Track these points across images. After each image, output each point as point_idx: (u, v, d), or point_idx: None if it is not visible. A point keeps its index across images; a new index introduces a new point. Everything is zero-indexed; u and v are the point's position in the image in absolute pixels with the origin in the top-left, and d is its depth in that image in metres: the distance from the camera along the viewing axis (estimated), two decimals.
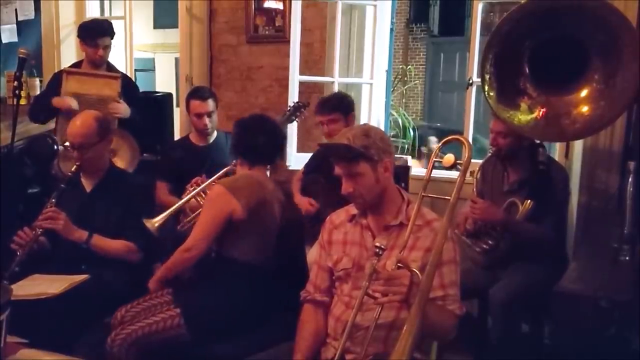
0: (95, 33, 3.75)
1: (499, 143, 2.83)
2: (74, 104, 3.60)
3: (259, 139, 2.60)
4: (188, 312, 2.37)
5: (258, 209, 2.50)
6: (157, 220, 2.75)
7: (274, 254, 2.57)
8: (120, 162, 3.27)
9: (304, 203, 3.48)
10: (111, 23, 4.00)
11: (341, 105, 3.37)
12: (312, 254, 2.74)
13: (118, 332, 2.31)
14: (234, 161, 3.49)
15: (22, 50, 3.36)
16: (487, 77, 2.50)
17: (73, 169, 2.76)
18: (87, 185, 2.85)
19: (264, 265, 2.51)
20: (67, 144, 2.84)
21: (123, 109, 3.68)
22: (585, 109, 2.43)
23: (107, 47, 3.77)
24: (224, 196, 2.48)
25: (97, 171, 2.84)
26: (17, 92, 3.29)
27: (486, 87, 2.52)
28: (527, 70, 2.51)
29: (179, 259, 2.50)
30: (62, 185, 2.74)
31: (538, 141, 2.83)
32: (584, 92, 2.43)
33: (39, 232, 2.61)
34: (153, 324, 2.33)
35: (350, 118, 3.39)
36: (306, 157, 3.92)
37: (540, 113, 2.50)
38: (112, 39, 3.81)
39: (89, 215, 2.75)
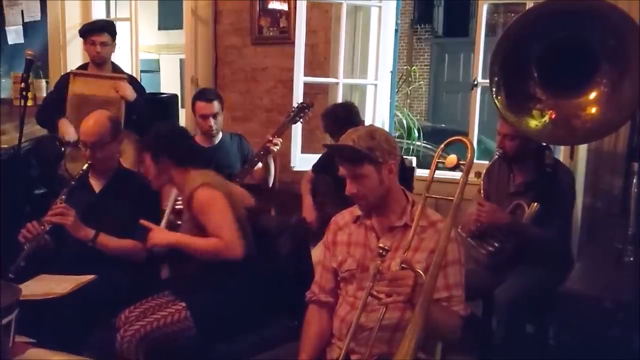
0: (91, 30, 3.78)
1: (506, 145, 2.83)
2: (71, 135, 3.61)
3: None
4: (193, 305, 2.40)
5: (231, 202, 2.58)
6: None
7: (276, 254, 2.58)
8: (126, 163, 3.29)
9: (310, 212, 3.48)
10: (111, 22, 4.02)
11: (350, 118, 3.30)
12: (316, 253, 2.75)
13: (127, 329, 2.33)
14: (246, 166, 3.53)
15: (29, 52, 3.39)
16: (495, 80, 2.51)
17: (84, 167, 2.78)
18: (96, 185, 2.87)
19: (252, 256, 2.54)
20: (69, 138, 2.84)
21: (129, 91, 3.70)
22: (594, 111, 2.44)
23: (105, 44, 3.77)
24: (211, 192, 2.51)
25: (106, 171, 2.86)
26: (24, 93, 3.32)
27: (494, 90, 2.53)
28: (536, 74, 2.51)
29: (214, 252, 2.44)
30: (73, 182, 2.76)
31: (545, 144, 2.84)
32: (592, 95, 2.44)
33: (47, 227, 2.63)
34: (161, 319, 2.36)
35: None
36: (310, 157, 3.93)
37: (550, 117, 2.50)
38: (113, 37, 3.81)
39: (97, 215, 2.76)
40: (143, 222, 2.53)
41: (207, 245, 2.46)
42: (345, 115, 3.34)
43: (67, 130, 3.62)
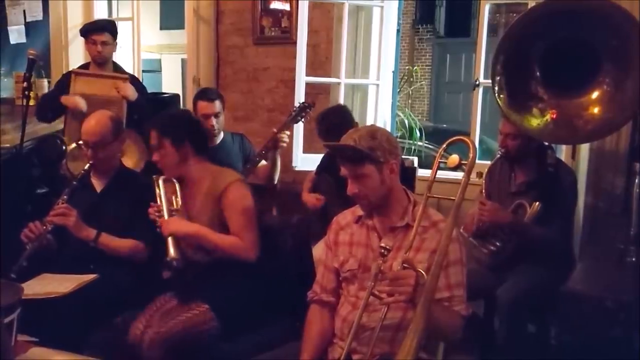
0: (92, 29, 3.79)
1: (508, 144, 2.83)
2: (82, 103, 3.62)
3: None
4: (216, 305, 2.39)
5: None
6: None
7: (277, 254, 2.58)
8: (128, 162, 3.29)
9: (311, 200, 3.50)
10: (112, 22, 4.01)
11: (344, 122, 3.31)
12: (317, 251, 2.75)
13: (155, 332, 2.30)
14: (248, 165, 3.52)
15: (31, 52, 3.40)
16: (498, 79, 2.51)
17: (86, 167, 2.78)
18: (98, 185, 2.87)
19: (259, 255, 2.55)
20: (80, 142, 2.85)
21: (130, 91, 3.70)
22: (596, 110, 2.44)
23: (106, 44, 3.77)
24: (245, 190, 2.53)
25: (108, 170, 2.87)
26: (26, 93, 3.33)
27: (496, 89, 2.53)
28: (538, 73, 2.51)
29: (231, 250, 2.47)
30: (75, 182, 2.75)
31: (547, 143, 2.83)
32: (594, 95, 2.44)
33: (49, 227, 2.63)
34: (187, 321, 2.34)
35: None
36: (312, 157, 3.94)
37: (552, 116, 2.51)
38: (114, 37, 3.82)
39: (99, 214, 2.77)
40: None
41: (225, 242, 2.47)
42: (339, 121, 3.35)
43: (76, 101, 3.63)
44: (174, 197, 2.62)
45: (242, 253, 2.46)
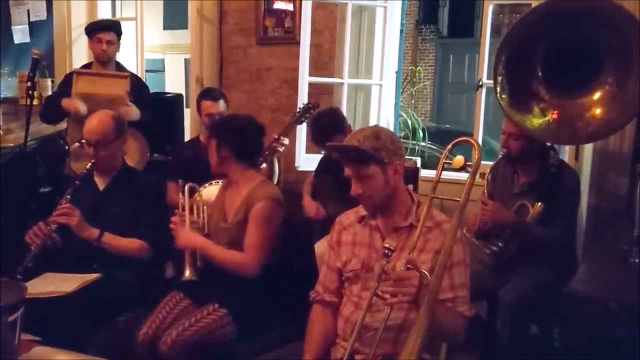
0: (97, 28, 3.81)
1: (510, 145, 2.83)
2: (82, 108, 3.61)
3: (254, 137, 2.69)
4: (234, 310, 2.40)
5: None
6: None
7: (281, 253, 2.58)
8: (129, 161, 3.29)
9: (312, 207, 3.50)
10: (117, 22, 4.02)
11: (334, 125, 3.34)
12: (320, 248, 2.75)
13: (176, 337, 2.28)
14: None
15: (35, 51, 3.41)
16: (500, 79, 2.51)
17: (88, 167, 2.78)
18: (100, 183, 2.88)
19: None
20: (83, 141, 2.86)
21: (134, 113, 3.70)
22: (598, 111, 2.44)
23: (110, 43, 3.79)
24: (276, 210, 2.52)
25: (110, 169, 2.87)
26: (30, 92, 3.33)
27: (498, 89, 2.53)
28: (540, 73, 2.51)
29: (231, 266, 2.49)
30: (77, 182, 2.76)
31: (549, 144, 2.83)
32: (596, 95, 2.44)
33: (53, 228, 2.64)
34: (206, 326, 2.34)
35: (347, 131, 3.35)
36: (314, 157, 3.94)
37: (553, 116, 2.51)
38: (118, 37, 3.84)
39: (102, 213, 2.77)
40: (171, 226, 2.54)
41: (227, 260, 2.50)
42: (329, 124, 3.36)
43: (76, 104, 3.63)
44: (196, 206, 2.69)
45: (242, 270, 2.48)
